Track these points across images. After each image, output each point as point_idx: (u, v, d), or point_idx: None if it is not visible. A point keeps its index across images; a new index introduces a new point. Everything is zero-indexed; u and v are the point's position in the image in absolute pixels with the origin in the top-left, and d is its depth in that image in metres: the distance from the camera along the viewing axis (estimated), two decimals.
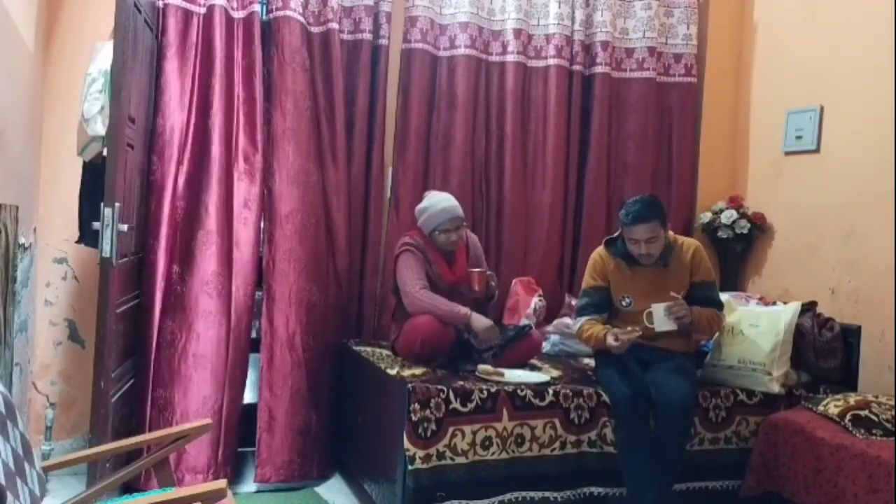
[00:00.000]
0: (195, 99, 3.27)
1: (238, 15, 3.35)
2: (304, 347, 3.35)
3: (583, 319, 3.02)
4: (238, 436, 3.29)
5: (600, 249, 3.09)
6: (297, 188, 3.39)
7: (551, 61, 3.85)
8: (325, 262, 3.46)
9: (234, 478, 3.23)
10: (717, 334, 3.15)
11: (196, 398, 3.19)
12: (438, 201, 3.18)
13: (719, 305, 3.04)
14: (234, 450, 3.27)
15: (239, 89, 3.33)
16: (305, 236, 3.39)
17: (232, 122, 3.31)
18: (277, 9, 3.40)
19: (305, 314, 3.36)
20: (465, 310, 3.00)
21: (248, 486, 3.26)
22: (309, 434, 3.34)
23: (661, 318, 2.86)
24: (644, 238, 2.87)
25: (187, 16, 3.27)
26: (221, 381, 3.23)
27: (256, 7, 3.35)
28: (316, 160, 3.46)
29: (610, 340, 2.84)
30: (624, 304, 3.01)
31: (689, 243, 3.06)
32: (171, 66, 3.21)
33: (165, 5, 3.22)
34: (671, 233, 3.03)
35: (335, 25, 3.51)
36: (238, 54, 3.33)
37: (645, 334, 2.89)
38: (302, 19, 3.44)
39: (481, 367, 2.94)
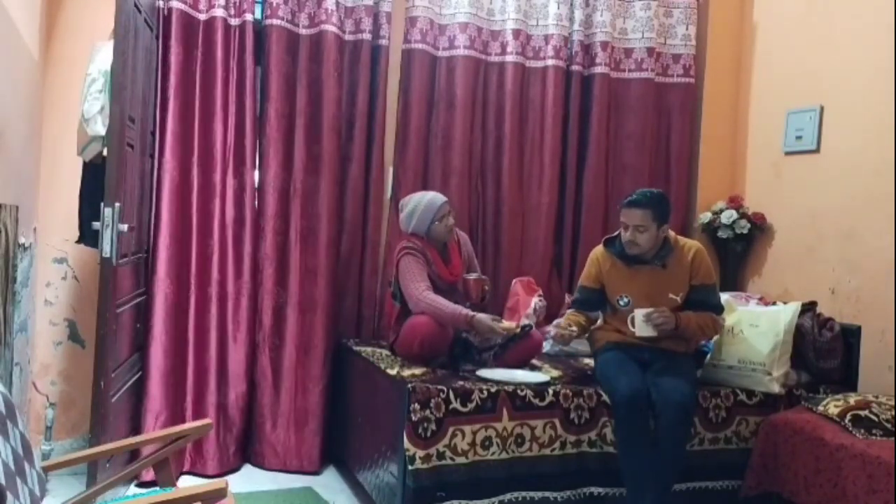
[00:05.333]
0: (194, 103, 3.34)
1: (235, 22, 3.41)
2: (297, 344, 3.43)
3: (570, 312, 3.13)
4: (240, 429, 3.40)
5: (599, 248, 3.09)
6: (292, 193, 3.48)
7: (549, 62, 3.86)
8: (321, 264, 3.49)
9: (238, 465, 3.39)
10: (716, 336, 3.15)
11: (198, 397, 3.33)
12: (421, 197, 3.24)
13: (718, 309, 3.03)
14: (236, 444, 3.39)
15: (233, 95, 3.40)
16: (301, 239, 3.47)
17: (226, 127, 3.39)
18: (267, 17, 3.47)
19: (301, 313, 3.44)
20: (466, 312, 3.00)
21: (249, 472, 3.37)
22: (305, 427, 3.41)
23: (640, 323, 2.87)
24: (632, 224, 2.88)
25: (189, 20, 3.32)
26: (223, 378, 3.36)
27: (249, 17, 3.41)
28: (307, 166, 3.50)
29: (552, 331, 3.05)
30: (621, 303, 3.00)
31: (691, 245, 3.04)
32: (170, 69, 3.28)
33: (169, 10, 3.28)
34: (672, 233, 3.02)
35: (329, 27, 3.52)
36: (233, 62, 3.40)
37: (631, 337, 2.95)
38: (290, 26, 3.49)
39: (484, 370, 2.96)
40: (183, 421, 3.24)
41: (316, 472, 3.39)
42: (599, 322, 3.20)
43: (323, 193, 3.50)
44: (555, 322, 3.10)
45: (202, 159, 3.34)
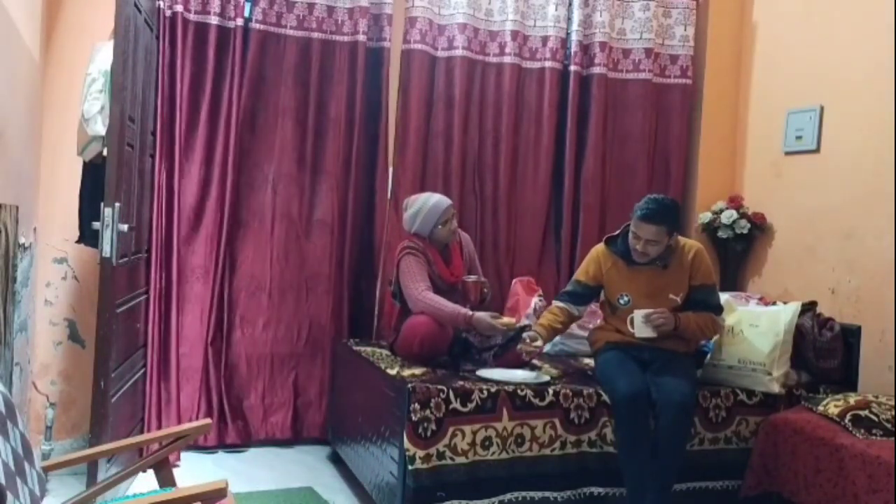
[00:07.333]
0: (189, 106, 3.43)
1: (230, 25, 3.48)
2: (274, 331, 3.62)
3: (556, 302, 3.09)
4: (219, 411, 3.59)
5: (600, 247, 3.09)
6: (282, 193, 3.61)
7: (546, 63, 3.87)
8: (305, 261, 3.65)
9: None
10: (716, 336, 3.15)
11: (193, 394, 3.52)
12: (427, 198, 3.22)
13: (717, 309, 3.03)
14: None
15: (224, 97, 3.48)
16: (284, 236, 3.61)
17: (215, 129, 3.49)
18: (258, 21, 3.52)
19: (285, 307, 3.62)
20: (465, 311, 3.00)
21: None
22: (280, 403, 3.66)
23: (639, 324, 2.88)
24: (646, 237, 2.86)
25: (186, 24, 3.40)
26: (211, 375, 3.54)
27: (240, 21, 3.48)
28: (296, 167, 3.61)
29: (525, 341, 2.92)
30: (621, 302, 3.00)
31: (691, 245, 3.04)
32: (170, 71, 3.36)
33: (174, 13, 3.35)
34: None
35: (317, 35, 3.59)
36: (225, 64, 3.48)
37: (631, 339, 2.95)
38: (281, 30, 3.55)
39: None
40: (179, 413, 3.45)
41: (289, 443, 3.65)
42: (599, 322, 3.20)
43: (321, 192, 3.61)
44: (525, 342, 2.93)
45: (200, 158, 3.46)
